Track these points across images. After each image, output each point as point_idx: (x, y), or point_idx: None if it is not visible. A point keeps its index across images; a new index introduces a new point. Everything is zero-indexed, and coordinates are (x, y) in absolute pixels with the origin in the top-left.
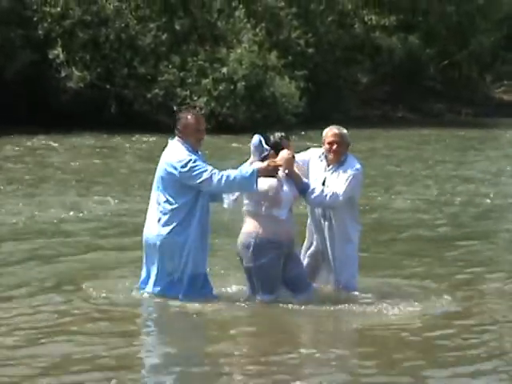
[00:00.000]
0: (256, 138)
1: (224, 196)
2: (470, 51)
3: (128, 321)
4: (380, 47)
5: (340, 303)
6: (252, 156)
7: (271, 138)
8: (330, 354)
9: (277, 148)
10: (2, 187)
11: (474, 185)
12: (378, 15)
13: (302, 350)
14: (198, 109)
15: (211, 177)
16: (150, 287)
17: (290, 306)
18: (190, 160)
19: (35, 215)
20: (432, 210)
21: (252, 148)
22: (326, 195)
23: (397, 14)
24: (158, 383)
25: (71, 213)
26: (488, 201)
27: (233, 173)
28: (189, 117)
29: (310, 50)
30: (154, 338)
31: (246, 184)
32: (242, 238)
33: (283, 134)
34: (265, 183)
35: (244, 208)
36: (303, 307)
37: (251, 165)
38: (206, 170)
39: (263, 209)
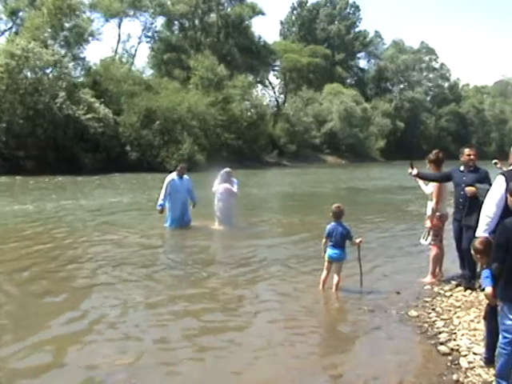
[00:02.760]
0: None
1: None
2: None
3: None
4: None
5: None
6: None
7: (228, 169)
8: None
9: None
10: None
11: None
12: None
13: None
14: (183, 164)
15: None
16: (170, 224)
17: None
18: (172, 180)
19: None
20: None
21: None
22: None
23: None
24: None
25: None
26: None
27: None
28: (184, 165)
29: (225, 155)
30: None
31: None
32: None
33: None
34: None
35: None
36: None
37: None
38: (166, 186)
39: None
